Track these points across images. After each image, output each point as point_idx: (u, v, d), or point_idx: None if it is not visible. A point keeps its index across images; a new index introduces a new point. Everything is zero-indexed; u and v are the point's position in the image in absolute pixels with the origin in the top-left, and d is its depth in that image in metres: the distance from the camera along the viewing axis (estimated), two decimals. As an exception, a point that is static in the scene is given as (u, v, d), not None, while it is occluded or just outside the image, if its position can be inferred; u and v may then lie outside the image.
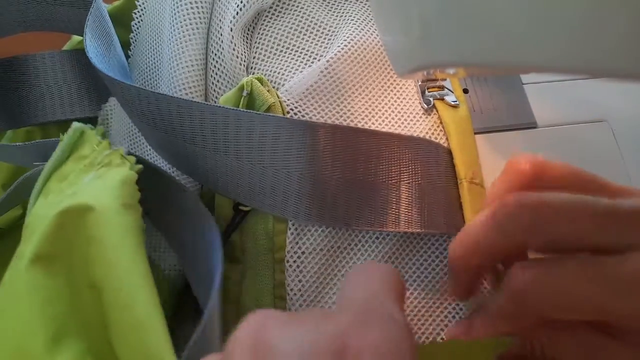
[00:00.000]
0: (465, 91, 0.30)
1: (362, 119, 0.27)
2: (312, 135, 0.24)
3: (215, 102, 0.28)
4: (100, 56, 0.27)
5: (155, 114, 0.25)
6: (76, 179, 0.23)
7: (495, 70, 0.29)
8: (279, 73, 0.28)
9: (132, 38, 0.32)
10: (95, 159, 0.23)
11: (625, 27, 0.13)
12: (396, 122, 0.28)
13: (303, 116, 0.26)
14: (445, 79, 0.29)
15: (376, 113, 0.28)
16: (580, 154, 0.29)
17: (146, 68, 0.31)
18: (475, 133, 0.29)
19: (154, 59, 0.30)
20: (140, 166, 0.24)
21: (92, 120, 0.34)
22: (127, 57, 0.32)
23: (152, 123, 0.26)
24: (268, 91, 0.26)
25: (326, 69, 0.27)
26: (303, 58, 0.28)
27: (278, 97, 0.26)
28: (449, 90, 0.29)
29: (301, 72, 0.28)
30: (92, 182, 0.23)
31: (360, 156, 0.25)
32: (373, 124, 0.27)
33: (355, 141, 0.25)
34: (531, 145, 0.29)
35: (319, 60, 0.28)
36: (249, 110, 0.25)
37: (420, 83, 0.29)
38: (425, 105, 0.28)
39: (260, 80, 0.26)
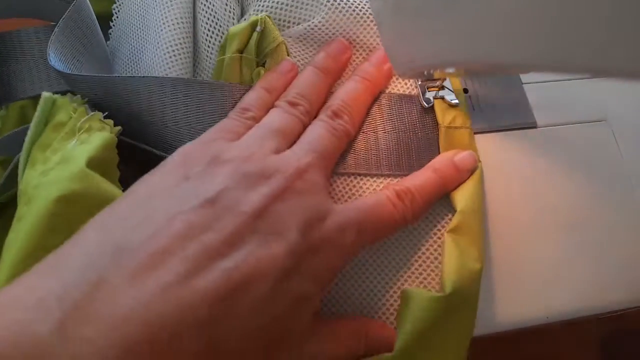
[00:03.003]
0: (465, 91, 0.30)
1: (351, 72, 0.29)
2: None
3: (208, 57, 0.29)
4: (65, 62, 0.27)
5: (102, 97, 0.26)
6: (59, 145, 0.24)
7: (495, 70, 0.29)
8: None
9: (115, 9, 0.32)
10: (74, 126, 0.24)
11: (626, 27, 0.13)
12: None
13: (298, 60, 0.28)
14: (445, 79, 0.29)
15: None
16: (580, 154, 0.29)
17: (132, 34, 0.31)
18: (475, 133, 0.29)
19: (140, 24, 0.30)
20: (119, 128, 0.25)
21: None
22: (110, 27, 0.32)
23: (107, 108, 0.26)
24: None
25: (322, 22, 0.28)
26: (296, 12, 0.29)
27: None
28: (449, 89, 0.29)
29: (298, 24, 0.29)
30: (76, 147, 0.24)
31: None
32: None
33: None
34: (531, 145, 0.29)
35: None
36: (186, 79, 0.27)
37: (420, 83, 0.29)
38: (426, 105, 0.28)
39: (270, 19, 0.27)
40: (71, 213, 0.21)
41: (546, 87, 0.31)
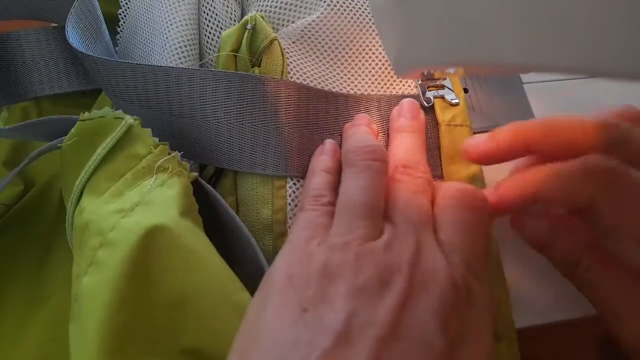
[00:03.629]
0: (466, 90, 0.30)
1: (348, 71, 0.29)
2: (276, 89, 0.26)
3: (211, 59, 0.29)
4: (81, 40, 0.27)
5: (121, 84, 0.26)
6: (134, 180, 0.23)
7: (495, 70, 0.29)
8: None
9: (120, 14, 0.32)
10: (154, 163, 0.23)
11: (626, 29, 0.13)
12: (376, 81, 0.29)
13: (293, 61, 0.28)
14: (445, 78, 0.29)
15: (362, 71, 0.29)
16: (580, 154, 0.29)
17: (139, 38, 0.31)
18: (475, 133, 0.29)
19: (147, 27, 0.30)
20: (195, 174, 0.25)
21: (83, 95, 0.34)
22: (117, 33, 0.32)
23: (127, 97, 0.26)
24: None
25: (321, 18, 0.28)
26: (297, 12, 0.29)
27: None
28: (449, 89, 0.29)
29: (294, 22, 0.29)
30: (155, 189, 0.23)
31: (319, 112, 0.27)
32: (359, 75, 0.29)
33: (317, 100, 0.27)
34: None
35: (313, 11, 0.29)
36: (205, 69, 0.26)
37: (420, 82, 0.29)
38: (426, 104, 0.28)
39: (262, 17, 0.27)
40: (156, 257, 0.21)
41: (546, 86, 0.31)
